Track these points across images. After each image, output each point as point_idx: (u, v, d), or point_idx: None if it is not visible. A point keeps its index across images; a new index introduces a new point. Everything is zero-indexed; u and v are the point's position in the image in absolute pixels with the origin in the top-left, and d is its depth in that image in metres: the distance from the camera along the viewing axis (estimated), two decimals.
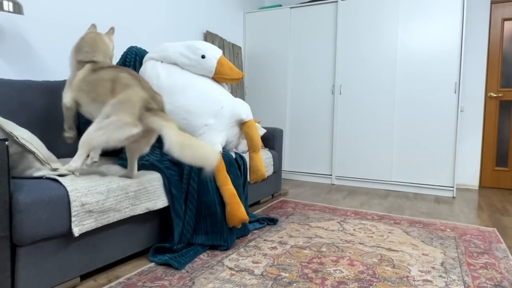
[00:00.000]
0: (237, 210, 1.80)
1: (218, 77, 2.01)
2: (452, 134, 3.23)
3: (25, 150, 1.23)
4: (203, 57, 1.94)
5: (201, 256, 1.71)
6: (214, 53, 1.97)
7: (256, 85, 4.15)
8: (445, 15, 3.20)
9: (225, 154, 1.96)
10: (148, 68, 1.99)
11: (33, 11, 1.99)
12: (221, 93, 1.98)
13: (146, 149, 1.56)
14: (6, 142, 1.10)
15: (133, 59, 2.06)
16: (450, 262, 1.70)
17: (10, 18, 1.88)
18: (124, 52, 2.08)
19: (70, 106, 1.58)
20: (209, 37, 3.44)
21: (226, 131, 1.94)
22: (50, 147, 1.81)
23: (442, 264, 1.67)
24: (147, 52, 2.14)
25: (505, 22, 3.65)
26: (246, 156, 2.35)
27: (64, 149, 1.88)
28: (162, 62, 2.00)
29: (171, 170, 1.76)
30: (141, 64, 2.07)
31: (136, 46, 2.11)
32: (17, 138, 1.20)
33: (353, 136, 3.64)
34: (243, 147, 2.13)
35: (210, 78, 2.02)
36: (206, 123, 1.90)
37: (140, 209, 1.55)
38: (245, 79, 4.18)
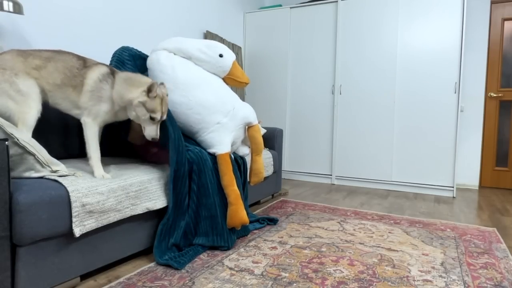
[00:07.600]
0: (240, 212, 1.81)
1: (229, 78, 2.04)
2: (452, 134, 3.23)
3: (25, 152, 1.23)
4: (220, 56, 1.97)
5: (201, 256, 1.71)
6: (230, 55, 2.03)
7: (256, 85, 4.15)
8: (445, 15, 3.20)
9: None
10: (163, 57, 1.91)
11: (33, 11, 1.99)
12: (232, 95, 2.01)
13: None
14: (6, 142, 1.10)
15: (127, 57, 1.98)
16: (450, 262, 1.70)
17: (10, 18, 1.88)
18: (115, 52, 2.01)
19: None
20: (209, 37, 3.44)
21: (235, 132, 1.95)
22: (50, 149, 1.81)
23: (442, 264, 1.67)
24: (139, 52, 2.09)
25: (505, 22, 3.65)
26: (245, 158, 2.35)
27: (63, 151, 1.88)
28: (175, 54, 1.95)
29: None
30: (133, 59, 1.99)
31: (127, 46, 2.04)
32: (17, 139, 1.19)
33: (353, 136, 3.64)
34: (243, 150, 2.14)
35: (221, 79, 2.03)
36: (219, 121, 1.90)
37: (140, 209, 1.55)
38: None
